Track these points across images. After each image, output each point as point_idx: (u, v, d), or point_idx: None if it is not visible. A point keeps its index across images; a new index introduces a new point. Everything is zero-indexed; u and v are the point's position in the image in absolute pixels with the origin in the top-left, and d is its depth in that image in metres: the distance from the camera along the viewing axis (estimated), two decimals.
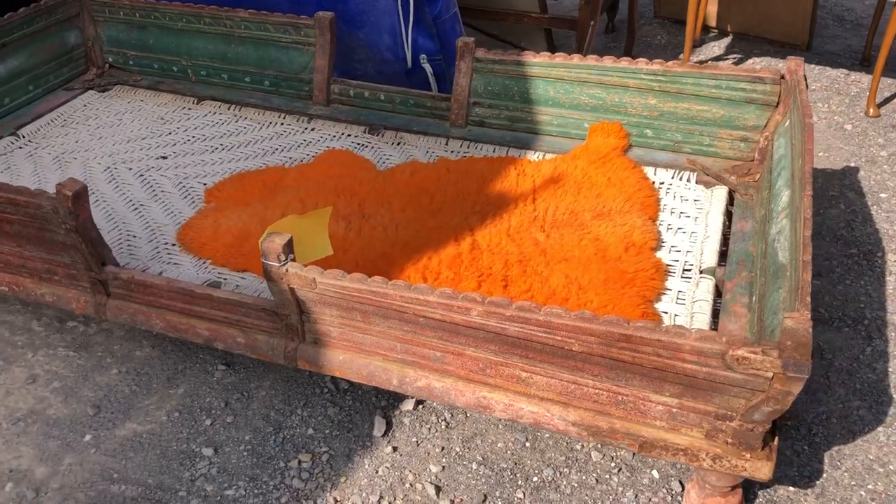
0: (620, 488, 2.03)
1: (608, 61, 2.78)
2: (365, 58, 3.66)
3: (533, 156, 2.87)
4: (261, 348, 2.08)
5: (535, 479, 2.05)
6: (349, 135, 3.04)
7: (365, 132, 3.05)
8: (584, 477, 2.06)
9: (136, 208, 2.64)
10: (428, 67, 3.62)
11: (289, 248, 1.88)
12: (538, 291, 2.20)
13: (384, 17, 3.55)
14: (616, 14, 4.77)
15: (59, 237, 2.10)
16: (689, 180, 2.69)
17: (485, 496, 2.01)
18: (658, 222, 2.51)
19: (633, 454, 2.08)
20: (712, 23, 4.73)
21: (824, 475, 2.06)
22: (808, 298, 1.58)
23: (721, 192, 2.59)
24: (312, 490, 2.02)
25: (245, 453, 2.12)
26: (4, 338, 2.52)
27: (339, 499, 2.00)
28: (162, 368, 2.40)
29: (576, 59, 2.83)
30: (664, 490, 2.02)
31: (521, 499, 2.01)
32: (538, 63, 2.87)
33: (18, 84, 3.19)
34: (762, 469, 1.72)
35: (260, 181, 2.75)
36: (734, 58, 4.39)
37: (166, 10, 3.30)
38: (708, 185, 2.65)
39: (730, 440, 1.73)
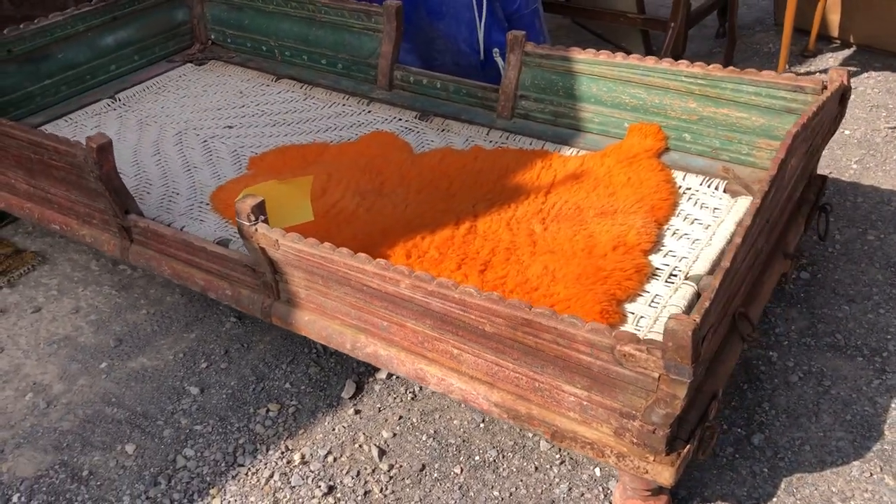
0: (557, 479, 2.04)
1: (650, 61, 2.75)
2: (443, 49, 3.77)
3: (567, 152, 2.88)
4: (243, 301, 2.27)
5: (477, 458, 2.11)
6: (400, 119, 3.18)
7: (415, 117, 3.17)
8: (524, 463, 2.09)
9: (188, 169, 2.91)
10: (500, 61, 3.68)
11: (259, 209, 2.05)
12: (512, 279, 2.24)
13: (462, 10, 3.65)
14: (727, 18, 4.59)
15: (91, 185, 2.38)
16: (717, 188, 2.61)
17: (423, 466, 2.09)
18: (666, 227, 2.46)
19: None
20: (834, 33, 4.46)
21: (774, 499, 1.97)
22: (707, 304, 1.54)
23: (744, 203, 2.50)
24: (270, 437, 2.18)
25: (224, 396, 2.32)
26: (66, 272, 2.87)
27: (290, 447, 2.15)
28: (184, 314, 2.65)
29: (619, 57, 2.82)
30: (599, 488, 2.02)
31: (457, 474, 2.07)
32: (583, 59, 2.88)
33: (125, 54, 3.57)
34: (663, 474, 1.70)
35: (300, 154, 2.95)
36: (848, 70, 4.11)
37: None
38: (735, 194, 2.57)
39: (635, 440, 1.72)
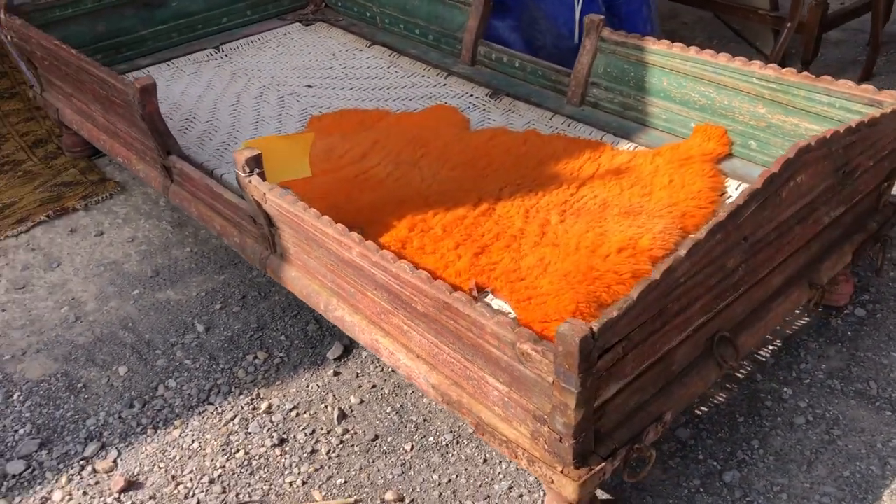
0: (501, 476, 1.98)
1: (722, 58, 2.56)
2: (545, 29, 3.68)
3: (625, 146, 2.74)
4: (247, 250, 2.35)
5: (430, 439, 2.08)
6: (472, 95, 3.14)
7: (487, 95, 3.13)
8: (475, 454, 2.04)
9: (256, 122, 3.04)
10: None
11: (255, 162, 2.11)
12: (503, 266, 2.18)
13: None
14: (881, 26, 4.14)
15: (141, 123, 2.55)
16: None
17: (376, 436, 2.10)
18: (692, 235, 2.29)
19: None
20: None
21: None
22: (614, 315, 1.43)
23: None
24: (247, 382, 2.27)
25: (223, 338, 2.43)
26: (136, 204, 3.10)
27: (261, 396, 2.22)
28: (221, 257, 2.79)
29: (692, 51, 2.64)
30: (540, 493, 1.93)
31: (405, 451, 2.06)
32: (656, 51, 2.72)
33: (238, 8, 3.76)
34: (567, 487, 1.60)
35: (358, 119, 3.00)
36: None
37: None
38: None
39: (546, 447, 1.63)
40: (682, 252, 1.53)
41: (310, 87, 3.30)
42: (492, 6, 3.31)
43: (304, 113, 3.09)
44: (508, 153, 2.72)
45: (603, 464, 1.63)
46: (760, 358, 2.29)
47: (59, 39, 2.84)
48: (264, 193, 2.07)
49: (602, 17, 2.89)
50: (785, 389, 2.18)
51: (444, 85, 3.24)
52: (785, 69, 2.42)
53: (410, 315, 1.83)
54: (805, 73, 2.38)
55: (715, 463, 1.99)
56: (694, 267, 1.57)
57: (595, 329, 1.41)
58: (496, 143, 2.78)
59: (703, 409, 2.14)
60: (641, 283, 1.48)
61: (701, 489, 1.93)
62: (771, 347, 2.32)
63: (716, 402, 2.16)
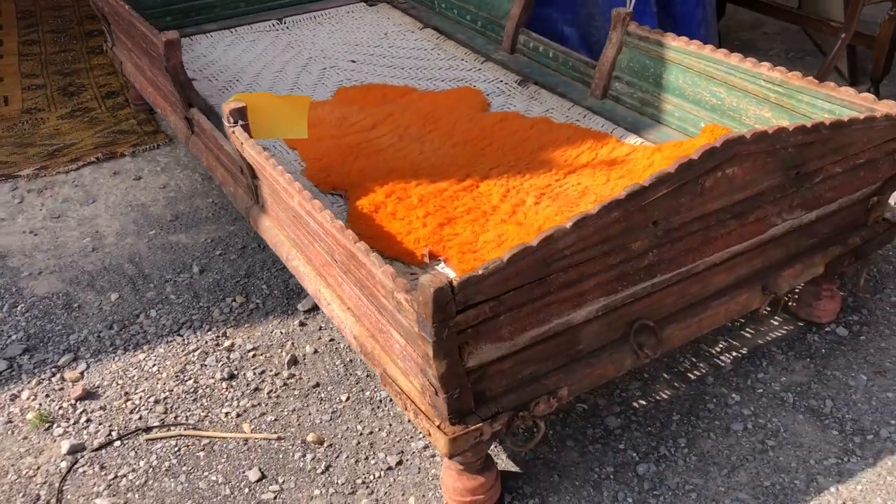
0: (420, 436, 2.04)
1: (734, 58, 2.51)
2: (600, 25, 3.67)
3: (632, 140, 2.72)
4: (238, 199, 2.51)
5: (367, 393, 2.17)
6: (500, 81, 3.19)
7: (516, 82, 3.17)
8: (403, 412, 2.10)
9: (291, 90, 3.20)
10: None
11: (239, 114, 2.25)
12: (461, 237, 2.23)
13: None
14: None
15: (166, 75, 2.76)
16: None
17: (318, 384, 2.20)
18: None
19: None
20: None
21: None
22: (480, 272, 1.47)
23: None
24: (219, 322, 2.42)
25: (212, 281, 2.60)
26: (178, 156, 3.33)
27: (227, 335, 2.37)
28: (236, 209, 2.96)
29: (707, 49, 2.60)
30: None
31: (341, 400, 2.15)
32: (675, 47, 2.69)
33: None
34: (440, 441, 1.65)
35: (382, 93, 3.11)
36: None
37: None
38: None
39: (429, 400, 1.68)
40: (569, 224, 1.54)
41: (353, 61, 3.44)
42: (569, 3, 3.33)
43: (339, 85, 3.23)
44: (512, 136, 2.75)
45: (480, 424, 1.66)
46: (719, 362, 2.23)
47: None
48: (242, 143, 2.21)
49: (629, 10, 2.87)
50: (733, 395, 2.13)
51: (479, 70, 3.30)
52: (791, 73, 2.35)
53: (341, 266, 1.92)
54: (809, 78, 2.30)
55: (634, 454, 1.97)
56: (583, 241, 1.57)
57: (455, 283, 1.45)
58: (504, 125, 2.82)
59: (641, 402, 2.12)
60: (516, 247, 1.50)
61: (612, 476, 1.92)
62: (734, 354, 2.26)
63: (657, 397, 2.13)
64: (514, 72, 3.23)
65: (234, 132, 2.25)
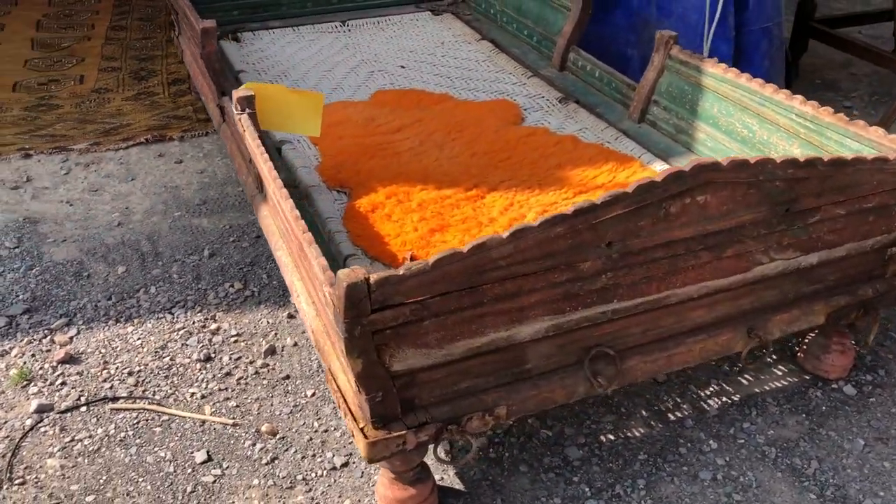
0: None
1: (768, 89, 2.38)
2: None
3: (656, 166, 2.62)
4: (247, 188, 2.54)
5: (308, 370, 2.15)
6: (542, 97, 3.13)
7: (557, 100, 3.10)
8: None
9: (335, 89, 3.24)
10: None
11: (247, 102, 2.29)
12: (450, 246, 2.18)
13: (691, 12, 3.41)
14: None
15: (201, 62, 2.83)
16: None
17: (287, 376, 2.19)
18: None
19: None
20: None
21: None
22: (402, 272, 1.42)
23: None
24: (211, 305, 2.45)
25: (216, 265, 2.64)
26: (222, 144, 3.41)
27: (216, 319, 2.40)
28: None
29: (743, 78, 2.48)
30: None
31: (305, 395, 2.14)
32: (712, 73, 2.58)
33: None
34: (360, 444, 1.61)
35: (418, 98, 3.10)
36: None
37: None
38: None
39: (358, 401, 1.65)
40: (505, 234, 1.48)
41: (402, 66, 3.44)
42: (590, 14, 3.26)
43: (381, 87, 3.24)
44: (534, 152, 2.69)
45: (404, 432, 1.61)
46: (705, 406, 2.10)
47: None
48: (244, 130, 2.24)
49: (674, 34, 2.77)
50: (711, 442, 1.99)
51: (523, 84, 3.25)
52: (822, 108, 2.20)
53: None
54: (840, 115, 2.15)
55: (587, 489, 1.87)
56: (521, 253, 1.50)
57: (372, 280, 1.42)
58: (529, 140, 2.76)
59: (610, 436, 2.01)
60: (444, 251, 1.45)
61: None
62: (723, 399, 2.12)
63: (629, 434, 2.02)
64: (558, 89, 3.16)
65: (240, 119, 2.28)
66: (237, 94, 2.28)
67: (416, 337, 1.52)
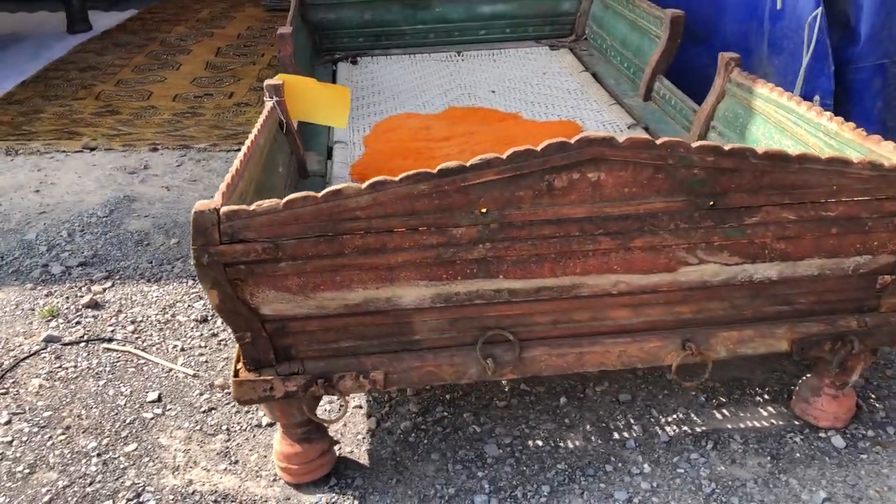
0: None
1: (803, 107, 2.21)
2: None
3: None
4: None
5: None
6: (613, 123, 3.06)
7: (626, 125, 3.02)
8: None
9: (417, 107, 3.37)
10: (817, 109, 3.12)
11: (275, 90, 2.47)
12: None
13: (801, 48, 3.20)
14: None
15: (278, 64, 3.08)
16: None
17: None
18: None
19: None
20: None
21: None
22: (252, 207, 1.49)
23: None
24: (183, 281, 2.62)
25: None
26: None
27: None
28: None
29: (785, 97, 2.31)
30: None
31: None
32: (760, 94, 2.44)
33: (498, 24, 4.11)
34: (232, 382, 1.66)
35: (484, 116, 3.15)
36: None
37: None
38: None
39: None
40: (364, 185, 1.49)
41: (493, 91, 3.51)
42: (678, 44, 3.14)
43: (456, 104, 3.32)
44: None
45: (271, 378, 1.64)
46: (657, 430, 1.92)
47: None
48: (269, 115, 2.41)
49: (737, 56, 2.61)
50: (645, 466, 1.81)
51: (600, 111, 3.19)
52: (846, 124, 1.99)
53: None
54: (859, 131, 1.93)
55: (487, 486, 1.78)
56: (381, 206, 1.50)
57: (222, 211, 1.49)
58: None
59: (539, 442, 1.90)
60: (297, 194, 1.50)
61: (446, 499, 1.75)
62: (683, 428, 1.93)
63: (561, 443, 1.89)
64: (633, 116, 3.07)
65: (271, 105, 2.46)
66: (268, 82, 2.47)
67: (273, 278, 1.56)
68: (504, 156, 1.51)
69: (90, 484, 1.83)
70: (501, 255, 1.59)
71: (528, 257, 1.60)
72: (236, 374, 1.67)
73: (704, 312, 1.73)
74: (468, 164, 1.51)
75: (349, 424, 1.98)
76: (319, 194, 1.50)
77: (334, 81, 3.65)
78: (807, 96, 3.15)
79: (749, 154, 1.56)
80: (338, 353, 1.68)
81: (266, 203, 1.50)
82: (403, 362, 1.69)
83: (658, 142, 1.53)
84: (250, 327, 1.61)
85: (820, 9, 2.92)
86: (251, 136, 2.05)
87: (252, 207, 1.50)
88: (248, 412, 2.02)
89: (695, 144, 1.54)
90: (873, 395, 2.01)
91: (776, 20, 3.24)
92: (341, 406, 1.71)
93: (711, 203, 1.59)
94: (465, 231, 1.55)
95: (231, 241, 1.51)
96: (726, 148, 1.55)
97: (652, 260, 1.63)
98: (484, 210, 1.54)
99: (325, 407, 2.02)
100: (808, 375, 1.93)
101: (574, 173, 1.53)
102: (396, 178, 1.50)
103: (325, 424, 1.79)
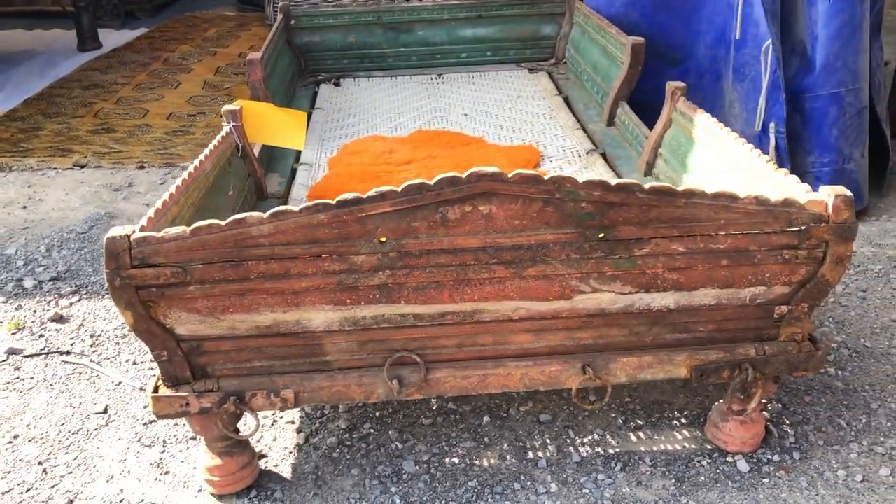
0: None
1: (732, 137, 2.27)
2: (738, 114, 3.41)
3: None
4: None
5: None
6: (573, 148, 3.14)
7: (586, 151, 3.09)
8: None
9: (387, 129, 3.47)
10: (771, 137, 3.18)
11: (232, 115, 2.58)
12: None
13: (761, 75, 3.26)
14: None
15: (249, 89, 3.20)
16: None
17: None
18: None
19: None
20: None
21: None
22: (161, 234, 1.59)
23: None
24: None
25: None
26: None
27: None
28: None
29: (718, 127, 2.37)
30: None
31: None
32: (698, 122, 2.50)
33: (479, 48, 4.21)
34: (150, 398, 1.77)
35: (449, 139, 3.23)
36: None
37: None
38: None
39: None
40: (266, 214, 1.59)
41: (465, 115, 3.60)
42: (640, 71, 3.21)
43: (427, 126, 3.42)
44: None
45: (187, 394, 1.74)
46: (571, 450, 1.99)
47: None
48: (230, 140, 2.53)
49: (683, 85, 2.68)
50: (552, 486, 1.89)
51: (562, 136, 3.26)
52: (755, 150, 2.06)
53: None
54: (766, 157, 2.00)
55: (398, 501, 1.86)
56: (282, 234, 1.59)
57: (132, 237, 1.60)
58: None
59: (455, 460, 1.98)
60: (203, 222, 1.60)
61: None
62: (596, 450, 1.99)
63: (476, 461, 1.97)
64: (594, 142, 3.15)
65: (227, 130, 2.58)
66: (225, 108, 2.58)
67: (184, 301, 1.66)
68: (399, 188, 1.60)
69: (27, 490, 1.93)
70: (402, 281, 1.67)
71: (427, 284, 1.68)
72: (156, 389, 1.77)
73: (604, 338, 1.80)
74: (365, 195, 1.60)
75: (279, 439, 2.07)
76: (224, 222, 1.60)
77: (314, 103, 3.77)
78: (766, 123, 3.22)
79: (636, 189, 1.63)
80: (251, 371, 1.78)
81: (173, 230, 1.61)
82: (314, 382, 1.78)
83: (545, 177, 1.61)
84: (166, 346, 1.72)
85: (770, 39, 2.98)
86: (196, 161, 2.16)
87: (160, 234, 1.60)
88: (184, 425, 2.12)
89: (583, 180, 1.62)
90: (787, 421, 2.06)
91: (739, 48, 3.30)
92: (256, 423, 1.81)
93: (601, 235, 1.66)
94: (365, 259, 1.64)
95: (142, 266, 1.62)
96: (613, 183, 1.63)
97: (546, 288, 1.71)
98: (383, 239, 1.63)
99: (262, 420, 2.11)
100: (720, 401, 1.99)
101: (466, 206, 1.62)
102: (296, 209, 1.59)
103: (244, 439, 1.89)
